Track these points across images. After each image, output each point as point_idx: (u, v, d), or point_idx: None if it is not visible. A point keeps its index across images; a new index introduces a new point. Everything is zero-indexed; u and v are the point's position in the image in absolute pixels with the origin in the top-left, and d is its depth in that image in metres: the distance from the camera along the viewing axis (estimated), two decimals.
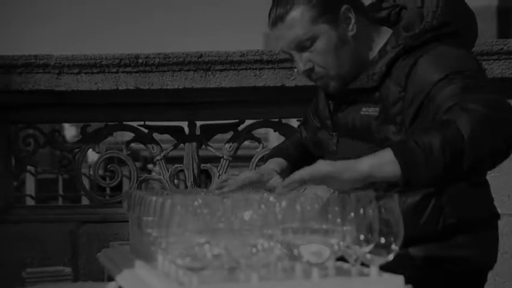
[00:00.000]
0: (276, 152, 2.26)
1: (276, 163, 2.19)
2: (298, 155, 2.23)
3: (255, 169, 3.30)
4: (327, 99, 2.12)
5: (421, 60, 1.89)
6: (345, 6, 1.95)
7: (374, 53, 1.99)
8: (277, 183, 2.02)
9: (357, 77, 1.98)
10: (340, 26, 1.95)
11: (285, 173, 2.13)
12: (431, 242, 1.96)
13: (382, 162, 1.70)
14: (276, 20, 1.97)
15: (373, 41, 2.01)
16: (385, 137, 1.91)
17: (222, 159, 3.38)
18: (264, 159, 2.27)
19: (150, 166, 11.31)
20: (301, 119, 3.31)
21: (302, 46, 1.97)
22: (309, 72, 2.00)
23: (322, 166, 1.74)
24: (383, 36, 2.00)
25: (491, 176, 2.07)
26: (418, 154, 1.67)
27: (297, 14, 1.94)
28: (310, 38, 1.95)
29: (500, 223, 2.09)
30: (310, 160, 2.17)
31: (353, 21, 1.96)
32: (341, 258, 1.48)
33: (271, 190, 2.03)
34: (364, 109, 1.97)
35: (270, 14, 1.99)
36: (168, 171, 3.36)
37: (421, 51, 1.91)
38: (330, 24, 1.94)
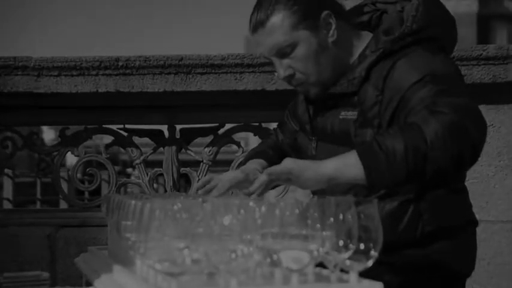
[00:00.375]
0: (254, 154, 2.26)
1: (258, 163, 2.18)
2: (276, 157, 2.23)
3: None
4: (307, 103, 2.12)
5: (398, 63, 1.90)
6: (325, 12, 1.95)
7: (354, 58, 1.99)
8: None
9: (336, 82, 1.98)
10: (320, 32, 1.95)
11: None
12: (410, 248, 1.96)
13: (346, 165, 1.73)
14: (256, 25, 1.97)
15: (354, 46, 2.01)
16: (362, 141, 1.91)
17: (201, 164, 3.37)
18: (242, 162, 2.27)
19: (129, 170, 11.27)
20: None
21: (282, 52, 1.96)
22: (289, 79, 2.00)
23: (286, 163, 1.77)
24: (363, 41, 2.01)
25: (469, 183, 2.08)
26: (381, 159, 1.69)
27: (278, 19, 1.94)
28: (290, 44, 1.94)
29: (478, 229, 2.10)
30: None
31: (333, 26, 1.96)
32: (320, 264, 1.47)
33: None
34: (343, 113, 1.98)
35: (250, 19, 1.98)
36: (147, 175, 3.35)
37: (400, 54, 1.92)
38: (311, 30, 1.94)
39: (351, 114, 1.96)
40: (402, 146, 1.68)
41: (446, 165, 1.70)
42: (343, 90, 1.97)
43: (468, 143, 1.71)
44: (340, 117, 1.98)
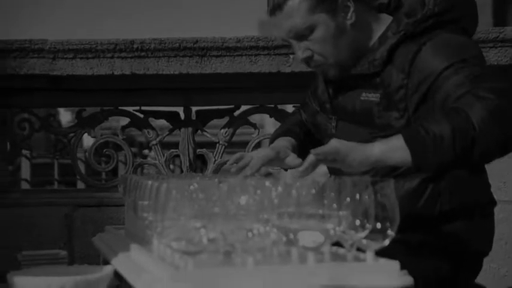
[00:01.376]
0: (282, 132, 2.26)
1: (286, 141, 2.19)
2: (303, 134, 2.24)
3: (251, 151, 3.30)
4: (326, 83, 2.12)
5: (425, 48, 1.89)
6: None
7: (373, 40, 1.99)
8: (294, 162, 2.04)
9: (356, 64, 1.98)
10: (338, 14, 1.96)
11: (295, 151, 2.14)
12: (428, 226, 1.96)
13: (393, 148, 1.71)
14: (274, 8, 1.97)
15: (373, 29, 2.01)
16: (387, 123, 1.91)
17: (217, 145, 3.38)
18: (271, 139, 2.28)
19: (145, 151, 11.30)
20: (297, 105, 3.32)
21: (300, 35, 1.97)
22: (307, 60, 2.01)
23: (333, 144, 1.75)
24: (383, 24, 2.00)
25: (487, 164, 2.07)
26: (428, 143, 1.68)
27: (295, 3, 1.94)
28: (308, 27, 1.95)
29: (496, 210, 2.09)
30: (314, 139, 2.19)
31: (352, 9, 1.97)
32: (337, 243, 1.48)
33: (287, 169, 2.08)
34: (364, 94, 1.98)
35: (268, 2, 1.99)
36: (163, 156, 3.36)
37: (424, 38, 1.91)
38: (328, 13, 1.95)
39: (372, 96, 1.96)
40: (449, 130, 1.67)
41: (493, 149, 1.70)
42: (364, 71, 1.98)
43: (507, 117, 1.70)
44: (362, 98, 1.98)
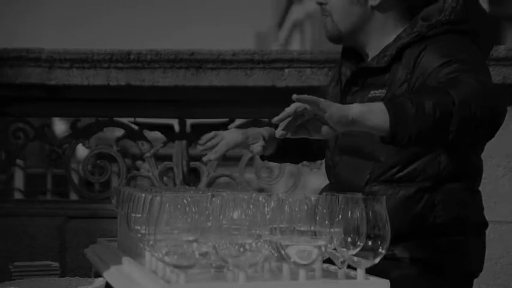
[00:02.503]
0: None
1: (266, 130, 2.21)
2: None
3: (244, 166, 3.31)
4: (339, 84, 2.15)
5: (429, 47, 1.93)
6: None
7: (389, 39, 2.02)
8: (256, 149, 2.11)
9: (367, 59, 2.05)
10: None
11: (271, 141, 2.18)
12: (420, 239, 1.96)
13: (372, 110, 1.69)
14: None
15: (391, 28, 2.04)
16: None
17: None
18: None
19: (139, 163, 11.28)
20: None
21: None
22: (320, 5, 2.07)
23: (315, 97, 1.73)
24: (401, 28, 2.04)
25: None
26: (409, 108, 1.67)
27: None
28: None
29: (486, 229, 2.10)
30: (301, 140, 2.20)
31: None
32: (328, 260, 1.49)
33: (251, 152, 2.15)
34: (372, 92, 2.01)
35: None
36: (157, 168, 3.36)
37: (433, 39, 1.96)
38: None
39: (379, 92, 1.99)
40: (431, 101, 1.67)
41: (468, 124, 1.69)
42: (371, 65, 2.01)
43: (490, 110, 1.71)
44: (369, 95, 2.01)
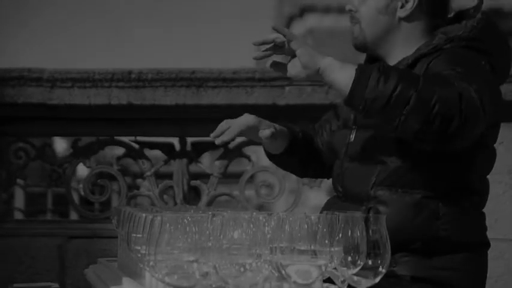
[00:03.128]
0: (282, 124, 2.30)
1: (278, 125, 2.22)
2: (301, 136, 2.27)
3: (244, 184, 3.31)
4: None
5: (441, 56, 1.97)
6: None
7: (410, 51, 2.05)
8: (267, 133, 2.09)
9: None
10: (396, 0, 2.05)
11: (280, 136, 2.18)
12: (421, 255, 1.96)
13: (343, 67, 1.83)
14: None
15: (414, 41, 2.07)
16: None
17: (211, 177, 3.38)
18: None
19: (139, 181, 11.27)
20: None
21: None
22: (349, 11, 2.12)
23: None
24: (424, 40, 2.07)
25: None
26: (375, 74, 1.76)
27: None
28: None
29: None
30: (309, 149, 2.21)
31: (409, 6, 2.05)
32: (328, 280, 1.49)
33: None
34: None
35: None
36: (157, 187, 3.36)
37: (447, 50, 1.99)
38: None
39: None
40: (397, 77, 1.75)
41: (422, 116, 1.73)
42: None
43: (453, 111, 1.73)
44: None
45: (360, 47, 2.12)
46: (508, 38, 2.10)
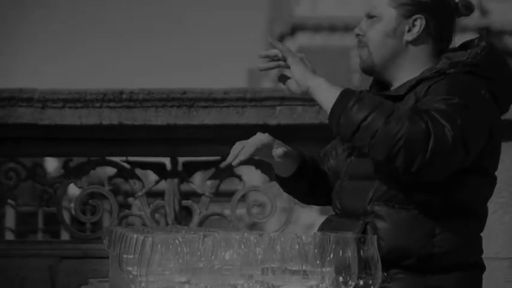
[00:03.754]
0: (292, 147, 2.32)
1: (289, 148, 2.23)
2: (309, 160, 2.28)
3: (236, 204, 3.32)
4: None
5: (442, 81, 2.00)
6: (420, 15, 2.07)
7: (415, 75, 2.08)
8: (280, 151, 2.12)
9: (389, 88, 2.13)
10: (404, 23, 2.08)
11: (291, 157, 2.19)
12: (414, 272, 1.97)
13: (330, 88, 1.95)
14: None
15: (420, 64, 2.10)
16: None
17: (203, 197, 3.38)
18: None
19: (131, 199, 11.25)
20: None
21: (369, 14, 2.12)
22: (357, 35, 2.15)
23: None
24: (430, 64, 2.10)
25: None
26: (352, 100, 1.87)
27: None
28: (378, 12, 2.10)
29: None
30: (317, 173, 2.22)
31: (416, 30, 2.08)
32: None
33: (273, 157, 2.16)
34: None
35: None
36: (149, 207, 3.36)
37: (449, 75, 2.01)
38: (398, 15, 2.08)
39: None
40: (371, 106, 1.85)
41: (388, 146, 1.82)
42: (390, 93, 2.08)
43: (421, 145, 1.80)
44: None
45: (368, 70, 2.15)
46: (510, 65, 2.13)
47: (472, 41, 2.12)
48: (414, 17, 2.07)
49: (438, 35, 2.11)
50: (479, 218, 2.08)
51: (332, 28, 33.28)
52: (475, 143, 1.90)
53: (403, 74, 2.10)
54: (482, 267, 2.09)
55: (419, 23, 2.08)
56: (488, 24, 30.76)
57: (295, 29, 33.63)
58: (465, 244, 2.02)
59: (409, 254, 1.95)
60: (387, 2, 2.09)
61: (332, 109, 1.89)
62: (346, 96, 1.89)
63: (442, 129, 1.82)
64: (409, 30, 2.08)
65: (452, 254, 1.98)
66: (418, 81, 2.04)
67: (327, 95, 1.93)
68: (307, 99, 3.23)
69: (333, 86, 1.94)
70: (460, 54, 2.07)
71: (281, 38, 35.56)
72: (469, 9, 2.14)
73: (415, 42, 2.09)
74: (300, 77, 1.98)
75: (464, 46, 2.12)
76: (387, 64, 2.11)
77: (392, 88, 2.12)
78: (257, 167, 3.42)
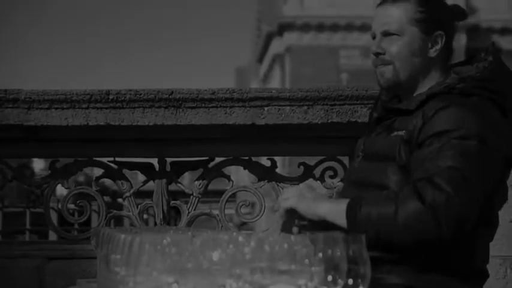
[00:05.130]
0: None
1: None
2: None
3: (225, 204, 3.32)
4: (371, 125, 2.25)
5: (444, 110, 2.02)
6: (440, 32, 2.12)
7: (427, 87, 2.12)
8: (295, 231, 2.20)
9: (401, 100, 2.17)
10: (428, 40, 2.13)
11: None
12: (421, 272, 1.99)
13: (338, 211, 2.01)
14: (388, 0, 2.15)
15: (435, 79, 2.14)
16: (406, 159, 2.04)
17: (191, 197, 3.37)
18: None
19: (120, 200, 11.23)
20: (271, 157, 3.35)
21: (388, 32, 2.13)
22: (377, 55, 2.15)
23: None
24: (442, 78, 2.15)
25: None
26: (360, 222, 1.96)
27: (406, 6, 2.12)
28: (399, 30, 2.11)
29: None
30: None
31: (439, 46, 2.13)
32: None
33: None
34: (395, 132, 2.10)
35: None
36: (137, 207, 3.35)
37: (458, 100, 2.03)
38: (421, 33, 2.12)
39: (401, 133, 2.08)
40: (373, 232, 1.93)
41: (405, 246, 1.95)
42: (401, 107, 2.12)
43: (431, 234, 1.90)
44: (392, 135, 2.10)
45: (393, 88, 2.17)
46: None
47: (478, 53, 2.14)
48: (435, 33, 2.12)
49: (451, 47, 2.16)
50: (489, 226, 2.11)
51: (320, 27, 33.32)
52: (491, 190, 1.98)
53: (420, 88, 2.14)
54: (485, 276, 2.12)
55: (441, 39, 2.13)
56: (477, 22, 30.90)
57: (283, 28, 33.66)
58: (471, 250, 2.04)
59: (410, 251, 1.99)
60: (407, 21, 2.11)
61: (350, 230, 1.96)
62: (348, 212, 1.99)
63: (444, 198, 1.89)
64: (431, 47, 2.13)
65: (458, 257, 2.01)
66: (428, 97, 2.07)
67: (337, 219, 2.01)
68: (294, 99, 3.24)
69: (332, 203, 2.07)
70: (468, 68, 2.12)
71: (269, 38, 35.57)
72: (464, 16, 2.20)
73: (436, 58, 2.14)
74: (309, 212, 2.05)
75: (470, 59, 2.16)
76: (412, 81, 2.14)
77: (401, 101, 2.17)
78: (245, 168, 3.42)
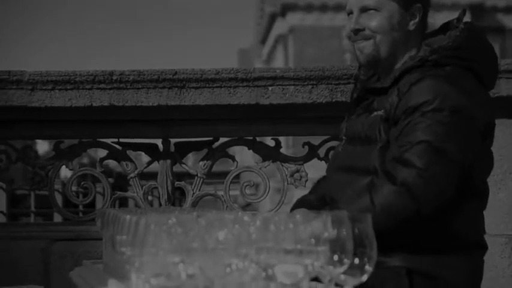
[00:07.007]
0: (299, 204, 2.34)
1: (301, 211, 2.25)
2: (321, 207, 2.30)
3: (229, 185, 3.31)
4: (350, 110, 2.23)
5: (418, 84, 2.00)
6: (419, 5, 2.11)
7: (402, 61, 2.11)
8: None
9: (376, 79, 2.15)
10: (406, 14, 2.11)
11: None
12: (419, 254, 1.98)
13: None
14: None
15: (412, 48, 2.13)
16: (386, 138, 2.04)
17: (196, 177, 3.37)
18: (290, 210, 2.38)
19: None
20: (275, 137, 3.35)
21: (367, 7, 2.11)
22: (356, 32, 2.13)
23: None
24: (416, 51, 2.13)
25: None
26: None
27: None
28: (378, 4, 2.10)
29: None
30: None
31: (417, 20, 2.12)
32: (315, 279, 1.48)
33: None
34: (375, 113, 2.09)
35: None
36: (142, 188, 3.35)
37: (432, 71, 2.02)
38: (400, 7, 2.10)
39: (381, 112, 2.07)
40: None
41: (387, 227, 1.89)
42: (376, 85, 2.11)
43: (410, 210, 1.90)
44: (371, 115, 2.09)
45: (373, 63, 2.15)
46: (492, 45, 2.14)
47: (451, 22, 2.11)
48: (414, 6, 2.11)
49: (426, 21, 2.15)
50: (481, 195, 2.09)
51: (323, 8, 33.17)
52: (468, 158, 1.97)
53: (398, 62, 2.13)
54: (483, 247, 2.10)
55: (418, 12, 2.11)
56: (481, 1, 30.75)
57: (286, 9, 33.50)
58: (465, 222, 2.02)
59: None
60: None
61: None
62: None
63: (419, 178, 1.90)
64: (410, 20, 2.11)
65: (454, 230, 2.00)
66: (402, 73, 2.05)
67: None
68: (299, 79, 3.23)
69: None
70: (439, 38, 2.08)
71: (272, 18, 35.45)
72: None
73: (414, 31, 2.12)
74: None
75: (443, 28, 2.13)
76: (390, 56, 2.12)
77: (379, 80, 2.15)
78: (249, 148, 3.41)
